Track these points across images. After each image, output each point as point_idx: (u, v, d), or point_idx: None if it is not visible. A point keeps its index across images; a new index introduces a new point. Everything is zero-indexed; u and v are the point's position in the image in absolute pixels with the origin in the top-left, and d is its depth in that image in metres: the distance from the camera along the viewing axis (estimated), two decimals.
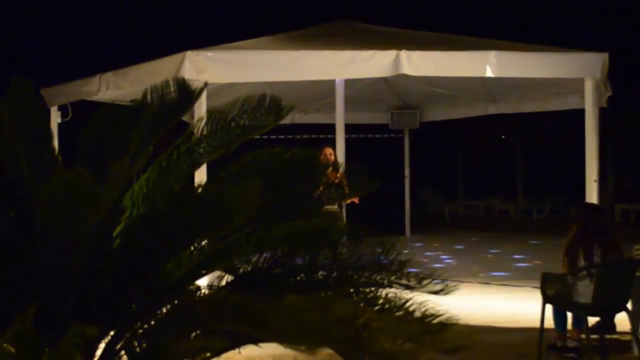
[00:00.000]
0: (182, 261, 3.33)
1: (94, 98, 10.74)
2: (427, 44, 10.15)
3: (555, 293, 6.69)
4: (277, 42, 10.87)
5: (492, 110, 15.17)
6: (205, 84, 4.62)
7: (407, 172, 17.61)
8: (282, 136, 16.32)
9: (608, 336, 6.96)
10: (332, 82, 10.91)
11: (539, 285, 6.86)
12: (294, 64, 9.65)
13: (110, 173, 2.99)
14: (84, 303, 3.27)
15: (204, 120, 3.88)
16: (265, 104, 3.87)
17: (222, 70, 9.33)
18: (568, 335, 6.79)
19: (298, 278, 3.62)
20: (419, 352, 2.72)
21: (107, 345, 3.34)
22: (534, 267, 12.24)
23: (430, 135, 23.90)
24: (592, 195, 9.51)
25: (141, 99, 3.83)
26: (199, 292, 3.59)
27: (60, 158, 3.66)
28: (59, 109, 11.69)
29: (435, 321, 2.94)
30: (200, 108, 8.45)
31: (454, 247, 16.13)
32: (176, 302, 3.40)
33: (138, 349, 3.25)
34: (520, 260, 13.83)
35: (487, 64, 9.52)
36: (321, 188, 3.96)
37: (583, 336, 6.58)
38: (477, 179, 33.53)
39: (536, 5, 27.75)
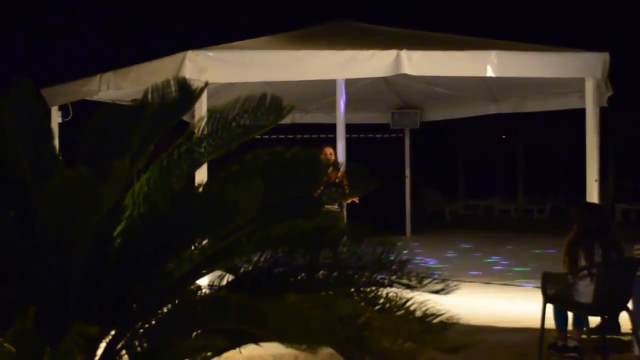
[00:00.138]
0: (183, 261, 3.33)
1: (95, 98, 10.75)
2: (428, 44, 10.15)
3: (556, 293, 6.69)
4: (277, 42, 10.87)
5: (493, 110, 15.17)
6: (206, 84, 4.63)
7: (407, 172, 17.61)
8: (283, 136, 16.32)
9: (610, 336, 6.95)
10: (333, 82, 10.90)
11: (539, 285, 6.86)
12: (294, 64, 9.65)
13: (111, 173, 2.99)
14: (85, 303, 3.27)
15: (205, 120, 3.88)
16: (266, 103, 3.87)
17: (223, 70, 9.33)
18: (569, 335, 6.79)
19: (299, 278, 3.62)
20: (420, 351, 2.72)
21: (108, 344, 3.34)
22: (534, 267, 12.23)
23: (431, 135, 23.89)
24: (593, 195, 9.51)
25: (142, 99, 3.83)
26: (200, 292, 3.59)
27: (61, 158, 3.66)
28: (60, 109, 11.69)
29: (436, 321, 2.95)
30: (201, 108, 8.47)
31: (455, 247, 16.11)
32: (177, 301, 3.40)
33: (139, 349, 3.25)
34: (520, 260, 13.83)
35: (488, 64, 9.52)
36: (322, 188, 3.96)
37: (584, 336, 6.58)
38: (478, 179, 33.51)
39: (537, 5, 27.75)
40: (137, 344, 3.28)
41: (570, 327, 6.82)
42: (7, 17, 25.43)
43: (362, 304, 3.35)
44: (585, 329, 6.48)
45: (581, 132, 10.05)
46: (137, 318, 3.36)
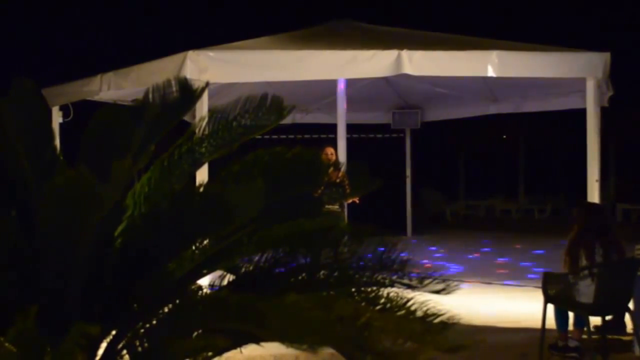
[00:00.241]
0: (183, 261, 3.33)
1: (96, 98, 10.75)
2: (429, 43, 10.15)
3: (556, 293, 6.69)
4: (278, 42, 10.87)
5: (494, 110, 15.19)
6: (207, 84, 4.63)
7: (408, 171, 17.60)
8: (284, 136, 16.33)
9: (611, 336, 6.95)
10: (333, 82, 10.92)
11: (540, 285, 6.87)
12: (295, 64, 9.65)
13: (111, 173, 2.99)
14: (85, 302, 3.27)
15: (206, 120, 3.88)
16: (267, 103, 3.87)
17: (223, 70, 9.34)
18: (569, 335, 6.79)
19: (300, 277, 3.62)
20: (421, 351, 2.72)
21: (109, 344, 3.34)
22: (535, 267, 12.23)
23: (431, 135, 23.88)
24: (593, 195, 9.51)
25: (143, 98, 3.83)
26: (200, 292, 3.60)
27: (61, 158, 3.66)
28: (61, 108, 11.69)
29: (436, 321, 2.94)
30: (202, 108, 8.48)
31: (456, 247, 16.11)
32: (178, 301, 3.40)
33: (140, 348, 3.25)
34: (521, 260, 13.82)
35: (488, 64, 9.53)
36: (322, 188, 3.96)
37: (584, 336, 6.58)
38: (479, 178, 33.51)
39: (537, 4, 27.74)
40: (137, 343, 3.28)
41: (570, 327, 6.82)
42: (7, 17, 25.44)
43: (363, 303, 3.35)
44: (585, 328, 6.48)
45: (582, 132, 10.06)
46: (138, 318, 3.36)
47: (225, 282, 3.67)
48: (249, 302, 2.87)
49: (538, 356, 6.57)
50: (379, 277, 3.54)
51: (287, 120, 4.82)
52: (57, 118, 11.46)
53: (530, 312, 7.94)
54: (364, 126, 17.28)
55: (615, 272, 6.72)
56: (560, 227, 11.71)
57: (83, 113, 9.76)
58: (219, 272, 3.71)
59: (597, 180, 9.62)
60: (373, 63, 9.50)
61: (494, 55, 9.53)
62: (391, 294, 3.34)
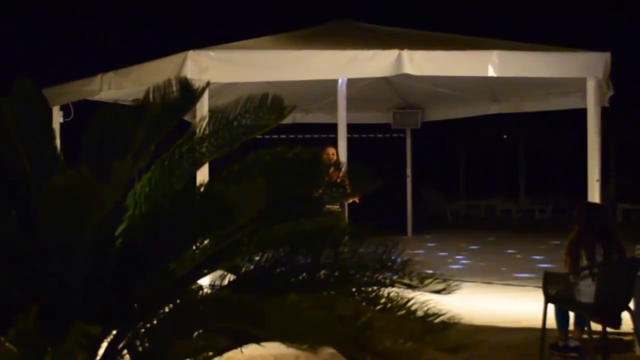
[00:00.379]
0: (184, 260, 3.33)
1: (96, 98, 10.76)
2: (429, 43, 10.15)
3: (557, 293, 6.69)
4: (279, 42, 10.88)
5: (494, 109, 15.19)
6: (208, 84, 4.62)
7: (409, 171, 17.61)
8: (284, 136, 16.34)
9: (610, 333, 6.94)
10: (334, 82, 10.91)
11: (541, 284, 6.86)
12: (295, 64, 9.66)
13: (112, 172, 2.99)
14: (86, 302, 3.27)
15: (206, 120, 3.88)
16: (267, 103, 3.87)
17: (224, 69, 9.34)
18: (570, 334, 6.78)
19: (300, 277, 3.62)
20: (421, 351, 2.72)
21: (110, 344, 3.34)
22: (535, 267, 12.22)
23: (432, 134, 23.89)
24: (594, 194, 9.51)
25: (143, 98, 3.83)
26: (201, 292, 3.59)
27: (62, 158, 3.66)
28: (61, 108, 11.70)
29: (437, 320, 2.94)
30: (202, 107, 8.48)
31: (456, 247, 16.11)
32: (178, 301, 3.40)
33: (140, 348, 3.25)
34: (521, 260, 13.82)
35: (489, 64, 9.53)
36: (323, 187, 3.96)
37: (585, 336, 6.58)
38: (479, 178, 33.53)
39: (538, 4, 27.74)
40: (138, 343, 3.28)
41: (571, 326, 6.82)
42: (7, 16, 25.44)
43: (363, 303, 3.35)
44: (586, 328, 6.48)
45: (582, 131, 10.06)
46: (138, 317, 3.36)
47: (225, 282, 3.67)
48: (249, 302, 2.86)
49: (539, 356, 6.56)
50: (380, 277, 3.53)
51: (288, 120, 4.83)
52: (57, 118, 11.46)
53: (530, 312, 7.94)
54: (364, 126, 17.28)
55: (616, 272, 6.72)
56: (560, 227, 11.71)
57: (83, 113, 9.78)
58: (219, 272, 3.71)
59: (597, 180, 9.62)
60: (373, 63, 9.50)
61: (494, 55, 9.53)
62: (392, 294, 3.34)
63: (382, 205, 15.53)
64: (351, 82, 11.23)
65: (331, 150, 9.90)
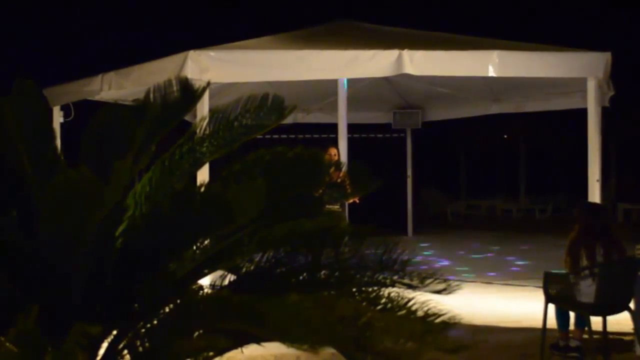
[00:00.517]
0: (184, 260, 3.33)
1: (97, 98, 10.76)
2: (430, 43, 10.15)
3: (557, 293, 6.69)
4: (279, 42, 10.88)
5: (495, 109, 15.18)
6: (208, 84, 4.63)
7: (409, 171, 17.60)
8: (285, 136, 16.34)
9: (611, 333, 6.94)
10: (334, 82, 10.91)
11: (541, 284, 6.86)
12: (296, 64, 9.66)
13: (112, 172, 2.99)
14: (86, 302, 3.27)
15: (207, 120, 3.88)
16: (268, 103, 3.87)
17: (224, 69, 9.34)
18: (570, 334, 6.78)
19: (300, 277, 3.62)
20: (422, 351, 2.72)
21: (110, 344, 3.34)
22: (536, 267, 12.21)
23: (432, 134, 23.89)
24: (594, 194, 9.51)
25: (144, 98, 3.83)
26: (201, 292, 3.59)
27: (62, 158, 3.66)
28: (62, 108, 11.70)
29: (437, 321, 2.94)
30: (203, 107, 8.47)
31: (456, 247, 16.10)
32: (179, 301, 3.40)
33: (141, 348, 3.25)
34: (522, 260, 13.82)
35: (489, 64, 9.53)
36: (323, 188, 3.96)
37: (585, 336, 6.58)
38: (480, 178, 33.53)
39: (538, 4, 27.74)
40: (138, 343, 3.28)
41: (571, 326, 6.82)
42: (8, 16, 25.44)
43: (364, 303, 3.35)
44: (586, 328, 6.48)
45: (582, 131, 10.06)
46: (139, 317, 3.36)
47: (226, 282, 3.66)
48: (249, 302, 2.86)
49: (539, 356, 6.56)
50: (380, 277, 3.53)
51: (288, 120, 4.84)
52: (58, 118, 11.47)
53: (531, 312, 7.94)
54: (365, 126, 17.27)
55: (616, 271, 6.72)
56: (561, 226, 11.70)
57: (84, 113, 9.78)
58: (219, 272, 3.71)
59: (597, 180, 9.63)
60: (374, 63, 9.50)
61: (494, 55, 9.53)
62: (392, 294, 3.34)
63: (383, 206, 15.52)
64: (351, 82, 11.23)
65: (333, 151, 9.88)
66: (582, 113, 10.20)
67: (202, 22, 28.57)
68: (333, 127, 11.56)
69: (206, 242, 3.35)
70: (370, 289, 3.46)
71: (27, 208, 3.39)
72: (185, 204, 3.25)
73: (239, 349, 3.35)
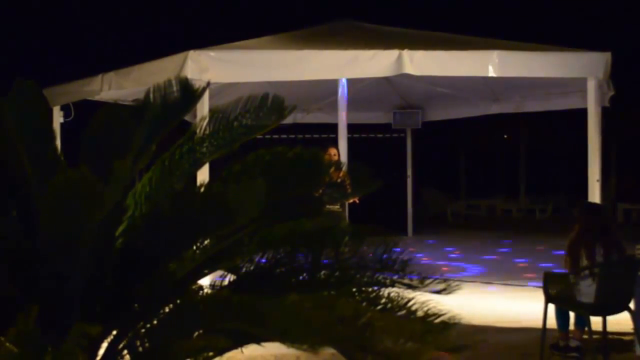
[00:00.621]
0: (184, 261, 3.33)
1: (97, 98, 10.76)
2: (430, 43, 10.15)
3: (557, 293, 6.69)
4: (279, 42, 10.88)
5: (495, 109, 15.18)
6: (208, 84, 4.63)
7: (409, 171, 17.60)
8: (285, 136, 16.34)
9: (610, 333, 6.94)
10: (334, 82, 10.92)
11: (541, 284, 6.86)
12: (296, 64, 9.66)
13: (112, 173, 2.99)
14: (86, 302, 3.27)
15: (207, 120, 3.88)
16: (268, 103, 3.87)
17: (224, 69, 9.34)
18: (570, 334, 6.78)
19: (300, 277, 3.62)
20: (421, 351, 2.72)
21: (110, 344, 3.34)
22: (536, 267, 12.22)
23: (432, 134, 23.87)
24: (594, 194, 9.51)
25: (143, 98, 3.83)
26: (201, 292, 3.59)
27: (62, 158, 3.66)
28: (62, 108, 11.70)
29: (437, 321, 2.94)
30: (203, 107, 8.47)
31: (457, 247, 16.10)
32: (179, 301, 3.40)
33: (140, 348, 3.25)
34: (522, 259, 13.82)
35: (489, 64, 9.53)
36: (323, 188, 3.96)
37: (585, 336, 6.58)
38: (480, 178, 33.53)
39: (538, 4, 27.74)
40: (138, 343, 3.28)
41: (571, 326, 6.82)
42: (8, 16, 25.44)
43: (364, 303, 3.35)
44: (586, 328, 6.48)
45: (582, 131, 10.06)
46: (139, 318, 3.36)
47: (226, 282, 3.67)
48: (249, 302, 2.87)
49: (539, 356, 6.56)
50: (380, 277, 3.53)
51: (288, 120, 4.84)
52: (58, 118, 11.47)
53: (531, 312, 7.94)
54: (364, 126, 17.26)
55: (616, 271, 6.72)
56: (561, 226, 11.70)
57: (84, 113, 9.78)
58: (219, 272, 3.71)
59: (598, 180, 9.63)
60: (374, 63, 9.50)
61: (494, 55, 9.53)
62: (392, 294, 3.34)
63: (383, 206, 15.52)
64: (351, 82, 11.23)
65: (333, 151, 9.88)
66: (582, 113, 10.20)
67: (202, 22, 28.57)
68: (333, 127, 11.57)
69: (206, 242, 3.35)
70: (370, 289, 3.46)
71: (27, 208, 3.39)
72: (185, 204, 3.25)
73: (239, 349, 3.35)
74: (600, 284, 6.44)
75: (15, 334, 2.77)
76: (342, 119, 10.82)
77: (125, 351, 3.34)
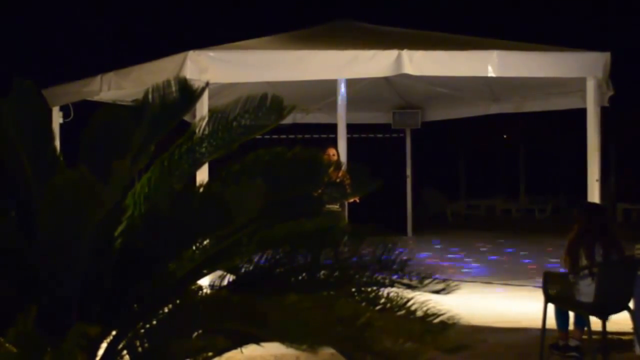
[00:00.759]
0: (183, 261, 3.33)
1: (96, 98, 10.76)
2: (429, 43, 10.15)
3: (557, 292, 6.69)
4: (278, 42, 10.88)
5: (494, 109, 15.19)
6: (207, 84, 4.63)
7: (409, 171, 17.60)
8: (284, 136, 16.34)
9: (610, 333, 6.94)
10: (334, 82, 10.92)
11: (540, 284, 6.86)
12: (295, 64, 9.66)
13: (111, 173, 2.99)
14: (86, 303, 3.27)
15: (206, 120, 3.88)
16: (267, 103, 3.87)
17: (223, 70, 9.34)
18: (570, 334, 6.79)
19: (300, 277, 3.62)
20: (421, 351, 2.72)
21: (109, 344, 3.34)
22: (535, 267, 12.22)
23: (432, 134, 23.87)
24: (594, 194, 9.51)
25: (143, 98, 3.83)
26: (200, 292, 3.60)
27: (61, 158, 3.66)
28: (61, 109, 11.71)
29: (436, 320, 2.94)
30: (202, 108, 8.48)
31: (456, 247, 16.10)
32: (178, 301, 3.40)
33: (140, 349, 3.25)
34: (522, 259, 13.82)
35: (489, 64, 9.53)
36: (322, 187, 3.96)
37: (585, 336, 6.58)
38: (479, 178, 33.52)
39: (538, 4, 27.75)
40: (138, 343, 3.28)
41: (571, 326, 6.82)
42: (7, 16, 25.45)
43: (363, 303, 3.35)
44: (586, 328, 6.48)
45: (582, 131, 10.06)
46: (138, 318, 3.36)
47: (225, 282, 3.66)
48: (249, 302, 2.87)
49: (539, 356, 6.56)
50: (379, 277, 3.53)
51: (288, 120, 4.83)
52: (57, 118, 11.47)
53: (530, 312, 7.94)
54: (364, 126, 17.27)
55: (615, 271, 6.72)
56: (560, 226, 11.70)
57: (83, 113, 9.78)
58: (219, 272, 3.71)
59: (597, 180, 9.63)
60: (373, 63, 9.50)
61: (494, 55, 9.54)
62: (391, 294, 3.34)
63: (382, 206, 15.52)
64: (351, 82, 11.24)
65: (332, 151, 9.88)
66: (582, 113, 10.20)
67: (202, 22, 28.57)
68: (332, 127, 11.56)
69: (205, 242, 3.35)
70: (369, 289, 3.46)
71: (26, 208, 3.39)
72: (184, 204, 3.26)
73: (239, 349, 3.35)
74: (599, 284, 6.44)
75: (15, 334, 2.76)
76: (342, 119, 10.82)
77: (125, 351, 3.33)
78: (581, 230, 6.79)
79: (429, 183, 27.25)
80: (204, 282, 3.75)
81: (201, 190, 3.24)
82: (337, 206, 8.82)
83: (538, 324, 6.67)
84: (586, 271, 6.57)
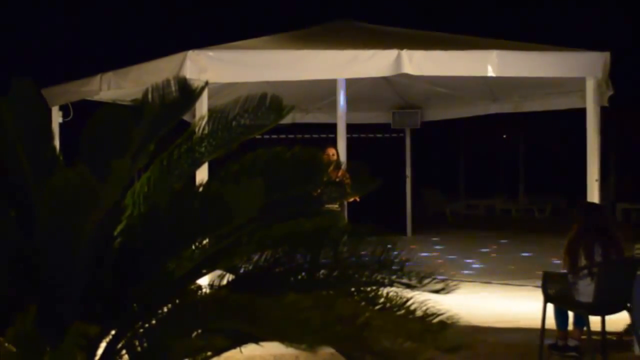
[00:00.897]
0: (183, 260, 3.33)
1: (95, 98, 10.76)
2: (429, 43, 10.15)
3: (556, 292, 6.69)
4: (278, 42, 10.88)
5: (494, 109, 15.18)
6: (206, 84, 4.62)
7: (408, 171, 17.60)
8: (283, 136, 16.33)
9: (610, 333, 6.95)
10: (333, 82, 10.91)
11: (540, 284, 6.87)
12: (295, 64, 9.65)
13: (111, 172, 2.99)
14: (85, 302, 3.27)
15: (205, 120, 3.88)
16: (266, 103, 3.88)
17: (223, 69, 9.33)
18: (569, 334, 6.79)
19: (299, 277, 3.62)
20: (420, 351, 2.72)
21: (108, 344, 3.34)
22: (535, 267, 12.21)
23: (431, 134, 23.87)
24: (593, 194, 9.51)
25: (142, 98, 3.83)
26: (200, 291, 3.59)
27: (61, 158, 3.66)
28: (60, 108, 11.70)
29: (436, 320, 2.94)
30: (201, 107, 8.47)
31: (457, 247, 16.10)
32: (177, 301, 3.40)
33: (139, 348, 3.25)
34: (521, 259, 13.82)
35: (488, 64, 9.53)
36: (322, 187, 3.96)
37: (584, 336, 6.58)
38: (479, 178, 33.50)
39: (538, 4, 27.75)
40: (137, 343, 3.28)
41: (570, 326, 6.82)
42: (7, 16, 25.44)
43: (362, 303, 3.35)
44: (585, 328, 6.48)
45: (582, 131, 10.06)
46: (137, 317, 3.36)
47: (224, 282, 3.66)
48: (248, 301, 2.86)
49: (538, 356, 6.57)
50: (379, 277, 3.53)
51: (287, 120, 4.83)
52: (56, 118, 11.47)
53: (529, 312, 7.94)
54: (364, 126, 17.26)
55: (615, 271, 6.72)
56: (560, 226, 11.70)
57: (83, 113, 9.78)
58: (218, 272, 3.71)
59: (597, 180, 9.62)
60: (373, 63, 9.50)
61: (494, 54, 9.53)
62: (390, 294, 3.34)
63: (382, 205, 15.51)
64: (351, 82, 11.23)
65: (331, 151, 9.88)
66: (582, 113, 10.20)
67: (202, 22, 28.57)
68: (332, 127, 11.56)
69: (205, 241, 3.35)
70: (368, 289, 3.46)
71: (26, 208, 3.39)
72: (183, 203, 3.25)
73: (238, 349, 3.35)
74: (598, 284, 6.44)
75: (14, 334, 2.77)
76: (342, 119, 10.81)
77: (124, 351, 3.33)
78: (580, 230, 6.79)
79: (428, 183, 27.25)
80: (203, 281, 3.75)
81: (201, 189, 3.24)
82: (337, 206, 8.83)
83: (537, 323, 6.68)
84: (585, 271, 6.57)
